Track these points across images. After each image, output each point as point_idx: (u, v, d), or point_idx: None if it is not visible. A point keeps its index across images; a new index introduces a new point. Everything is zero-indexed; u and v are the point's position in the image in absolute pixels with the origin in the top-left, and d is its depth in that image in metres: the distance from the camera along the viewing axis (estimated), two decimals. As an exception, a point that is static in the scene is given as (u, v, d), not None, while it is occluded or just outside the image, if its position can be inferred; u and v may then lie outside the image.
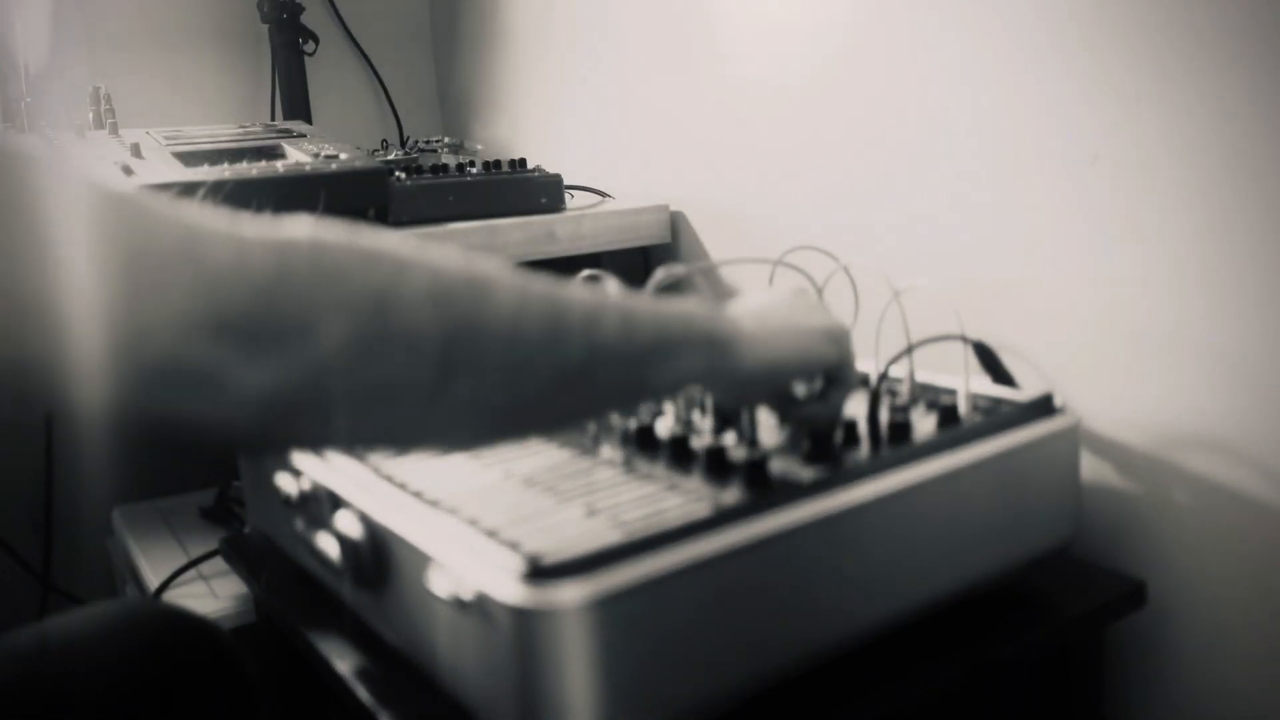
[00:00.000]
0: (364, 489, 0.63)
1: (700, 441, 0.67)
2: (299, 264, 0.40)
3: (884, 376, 0.78)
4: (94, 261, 0.36)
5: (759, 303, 0.62)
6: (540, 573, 0.49)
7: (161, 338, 0.37)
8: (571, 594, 0.48)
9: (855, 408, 0.68)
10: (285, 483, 0.71)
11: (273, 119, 1.54)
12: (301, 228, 0.42)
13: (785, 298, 0.63)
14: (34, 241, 0.35)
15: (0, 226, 0.34)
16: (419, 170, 1.16)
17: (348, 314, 0.40)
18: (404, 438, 0.46)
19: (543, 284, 0.48)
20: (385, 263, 0.42)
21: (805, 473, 0.62)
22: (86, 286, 0.35)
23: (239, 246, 0.39)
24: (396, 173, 1.14)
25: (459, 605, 0.51)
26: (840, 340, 0.62)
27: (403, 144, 1.56)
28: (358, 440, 0.45)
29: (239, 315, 0.38)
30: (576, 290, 0.50)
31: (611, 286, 0.78)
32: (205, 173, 1.01)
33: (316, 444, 0.45)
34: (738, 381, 0.58)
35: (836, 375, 0.63)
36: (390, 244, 0.44)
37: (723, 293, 1.11)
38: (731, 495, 0.59)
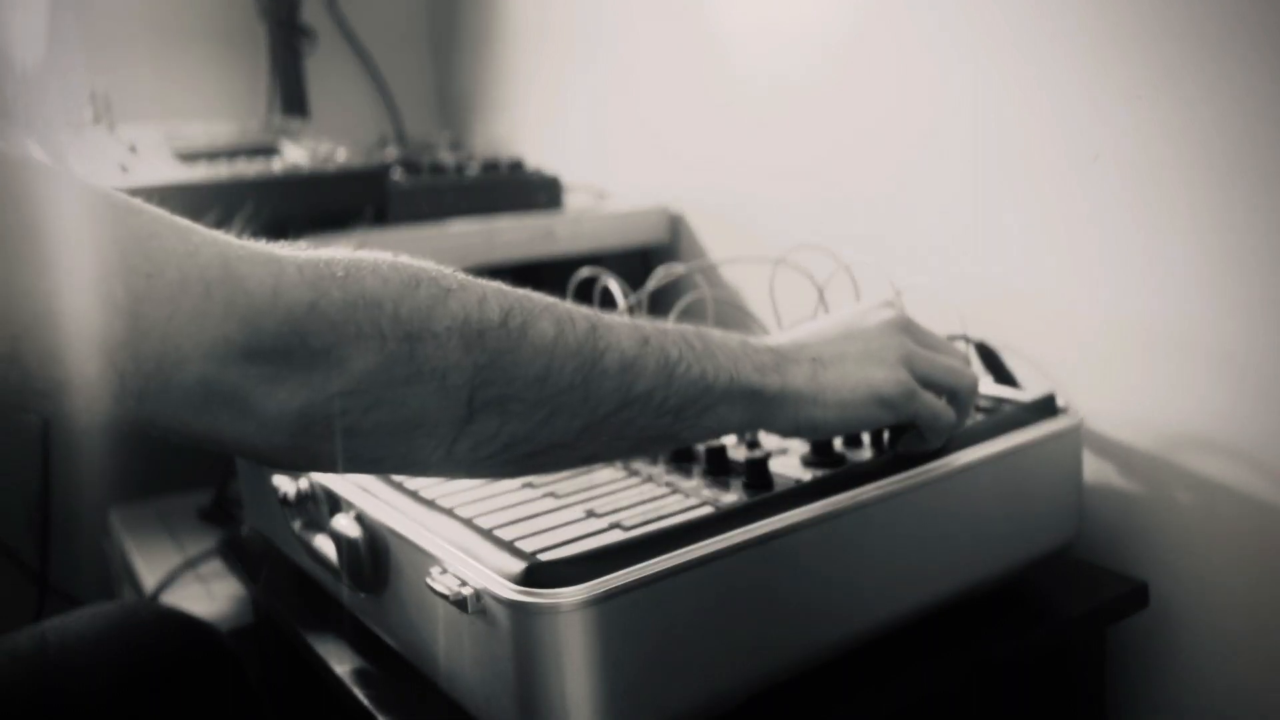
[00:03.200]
0: (362, 489, 0.63)
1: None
2: (333, 293, 0.40)
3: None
4: (125, 285, 0.36)
5: (829, 332, 0.57)
6: (540, 573, 0.49)
7: (195, 362, 0.37)
8: (571, 594, 0.47)
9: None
10: (283, 483, 0.71)
11: (270, 117, 1.54)
12: (340, 252, 0.42)
13: (866, 327, 0.57)
14: (54, 257, 0.35)
15: (22, 241, 0.34)
16: (417, 169, 1.16)
17: (377, 344, 0.40)
18: (425, 466, 0.45)
19: (585, 323, 0.47)
20: (421, 293, 0.42)
21: (805, 473, 0.62)
22: (112, 307, 0.36)
23: (275, 272, 0.39)
24: (394, 171, 1.13)
25: (458, 606, 0.50)
26: (896, 405, 0.56)
27: (401, 142, 1.56)
28: (380, 466, 0.45)
29: (271, 341, 0.39)
30: (621, 332, 0.48)
31: (613, 284, 0.78)
32: (203, 171, 1.01)
33: (339, 467, 0.45)
34: (777, 433, 0.56)
35: (920, 423, 0.58)
36: (431, 272, 0.43)
37: (723, 292, 1.11)
38: (731, 495, 0.59)
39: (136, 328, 0.36)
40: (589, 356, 0.46)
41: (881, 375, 0.55)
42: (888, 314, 0.59)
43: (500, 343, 0.43)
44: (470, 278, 0.45)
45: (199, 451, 0.45)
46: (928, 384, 0.58)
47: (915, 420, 0.58)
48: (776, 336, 0.57)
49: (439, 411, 0.43)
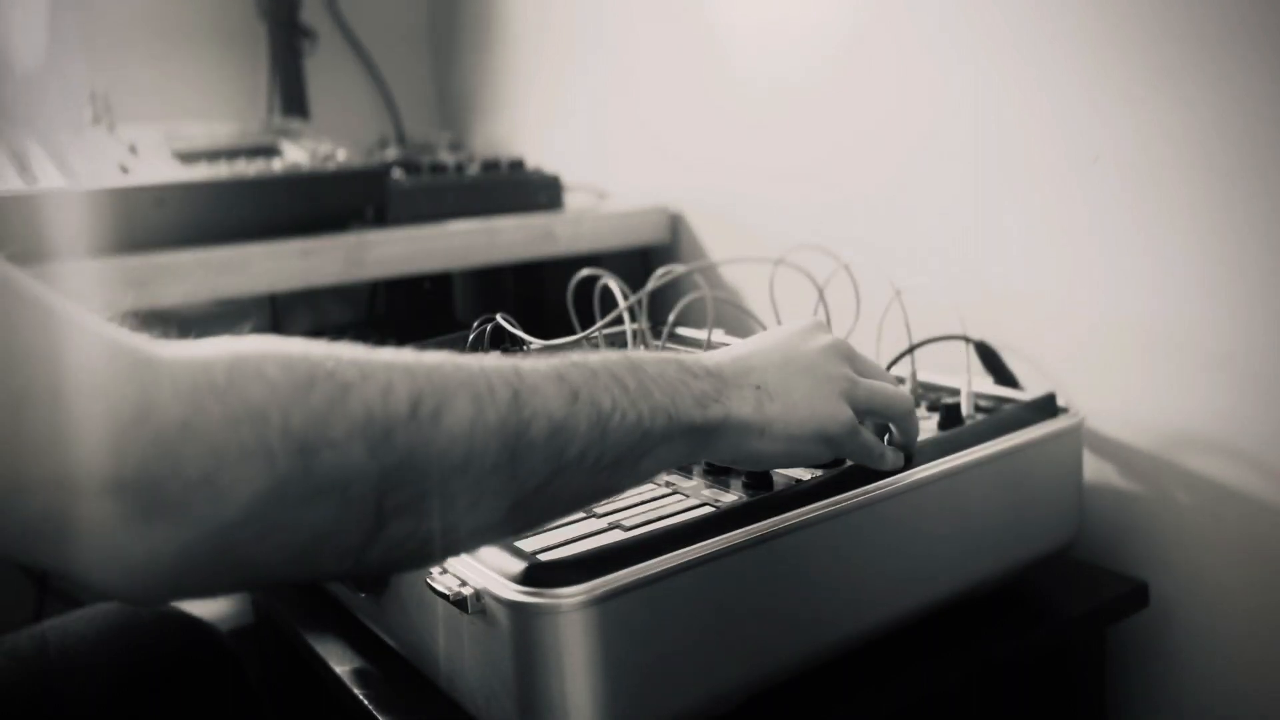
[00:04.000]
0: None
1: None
2: (211, 409, 0.34)
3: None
4: None
5: (778, 354, 0.55)
6: (540, 573, 0.49)
7: (40, 493, 0.31)
8: (571, 594, 0.47)
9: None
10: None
11: (270, 117, 1.54)
12: (224, 350, 0.36)
13: (817, 348, 0.56)
14: None
15: None
16: (417, 169, 1.16)
17: (264, 465, 0.34)
18: (337, 575, 0.41)
19: (506, 390, 0.41)
20: (315, 395, 0.36)
21: (805, 473, 0.62)
22: None
23: (143, 388, 0.33)
24: (394, 171, 1.13)
25: (458, 606, 0.50)
26: (838, 443, 0.55)
27: (401, 142, 1.56)
28: (285, 583, 0.41)
29: (136, 471, 0.32)
30: (548, 392, 0.43)
31: (613, 284, 0.78)
32: (203, 171, 1.01)
33: (239, 590, 0.41)
34: (716, 461, 0.54)
35: (856, 460, 0.58)
36: (329, 366, 0.37)
37: (723, 293, 1.11)
38: (731, 495, 0.59)
39: None
40: (514, 430, 0.41)
41: (828, 412, 0.54)
42: (827, 339, 0.57)
43: (412, 438, 0.38)
44: (374, 357, 0.39)
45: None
46: (868, 413, 0.57)
47: (852, 458, 0.58)
48: (717, 354, 0.54)
49: (343, 525, 0.37)
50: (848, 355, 0.57)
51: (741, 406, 0.51)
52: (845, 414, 0.54)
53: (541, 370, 0.44)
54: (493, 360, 0.43)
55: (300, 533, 0.36)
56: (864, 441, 0.57)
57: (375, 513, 0.38)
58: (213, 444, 0.33)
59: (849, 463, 0.61)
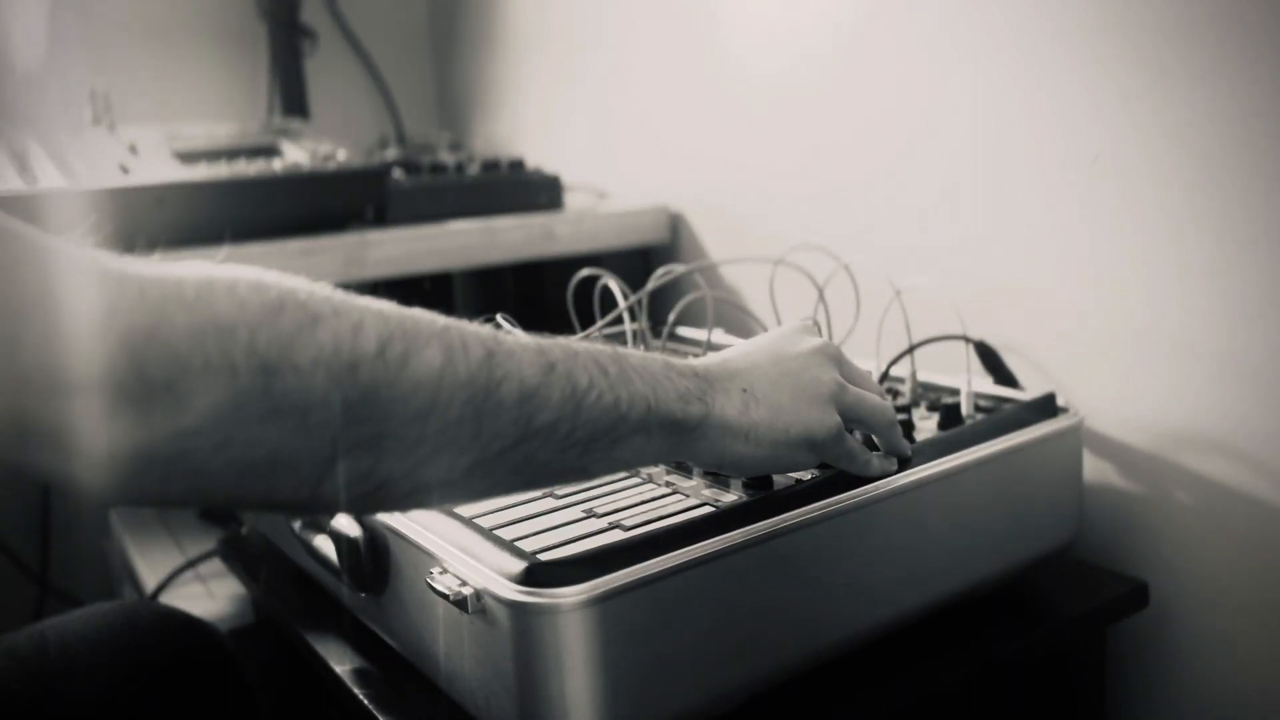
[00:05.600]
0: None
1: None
2: (177, 318, 0.35)
3: (885, 376, 0.78)
4: None
5: (766, 358, 0.54)
6: (540, 573, 0.49)
7: (8, 393, 0.32)
8: (571, 594, 0.47)
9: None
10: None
11: (270, 117, 1.54)
12: (196, 270, 0.37)
13: (804, 352, 0.55)
14: None
15: None
16: (417, 169, 1.16)
17: (225, 378, 0.35)
18: (289, 505, 0.41)
19: (481, 349, 0.42)
20: (284, 319, 0.37)
21: (805, 473, 0.62)
22: None
23: (110, 295, 0.34)
24: (394, 171, 1.13)
25: (458, 605, 0.50)
26: (823, 448, 0.54)
27: (401, 142, 1.56)
28: (238, 505, 0.41)
29: (102, 373, 0.34)
30: (523, 359, 0.43)
31: (613, 284, 0.78)
32: (203, 171, 1.01)
33: (193, 504, 0.42)
34: (697, 465, 0.53)
35: (840, 467, 0.58)
36: (301, 295, 0.38)
37: (723, 292, 1.11)
38: (731, 495, 0.59)
39: None
40: (482, 386, 0.41)
41: (815, 417, 0.53)
42: (816, 341, 0.57)
43: (376, 376, 0.38)
44: (351, 299, 0.40)
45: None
46: (854, 420, 0.57)
47: (836, 464, 0.57)
48: (706, 358, 0.54)
49: (299, 451, 0.38)
50: (836, 359, 0.57)
51: (726, 408, 0.50)
52: (832, 419, 0.54)
53: (521, 341, 0.44)
54: (473, 325, 0.44)
55: (256, 450, 0.37)
56: (849, 448, 0.56)
57: (332, 444, 0.38)
58: (176, 352, 0.35)
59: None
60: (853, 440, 0.57)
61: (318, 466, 0.39)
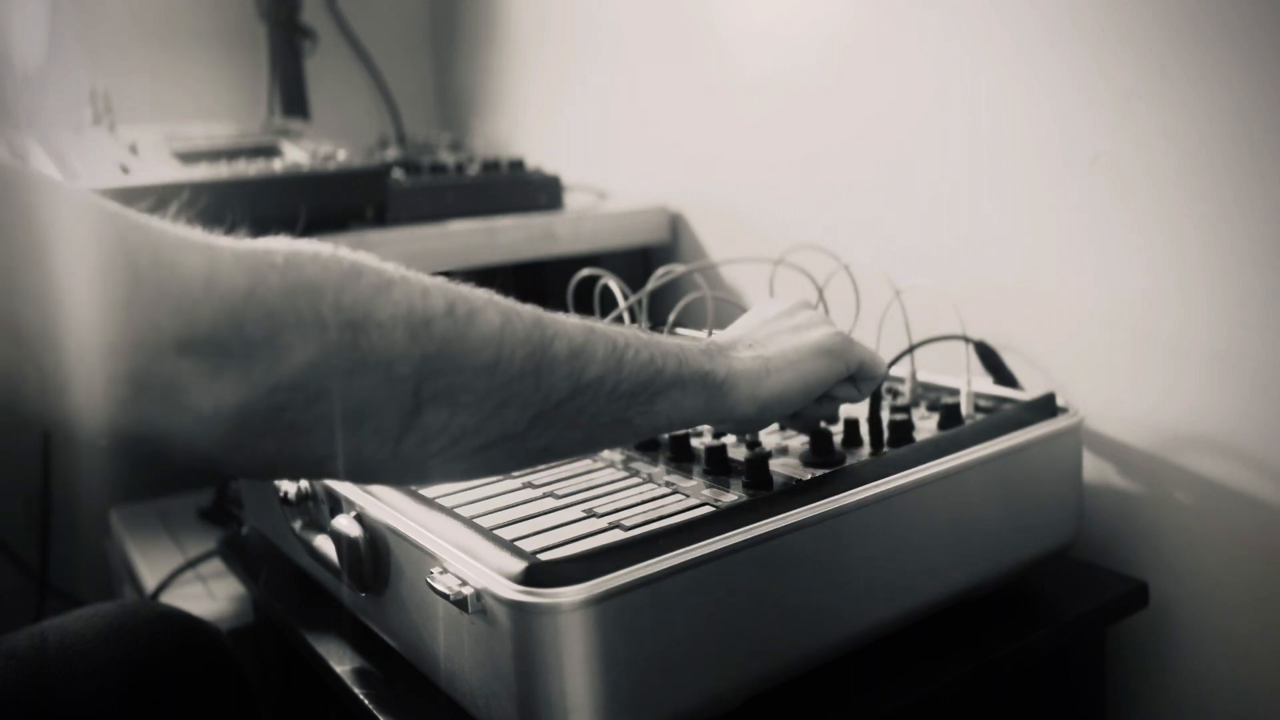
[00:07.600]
0: (362, 489, 0.63)
1: (700, 441, 0.67)
2: (271, 280, 0.38)
3: (885, 376, 0.78)
4: (62, 274, 0.34)
5: (755, 325, 0.60)
6: (540, 573, 0.49)
7: (127, 354, 0.36)
8: (571, 594, 0.47)
9: (856, 408, 0.68)
10: (284, 483, 0.71)
11: (270, 117, 1.54)
12: (279, 242, 0.41)
13: (785, 309, 0.62)
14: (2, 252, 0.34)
15: None
16: (417, 169, 1.16)
17: (316, 334, 0.39)
18: (372, 466, 0.44)
19: (530, 313, 0.46)
20: (363, 282, 0.41)
21: (805, 473, 0.62)
22: (55, 299, 0.34)
23: (210, 261, 0.38)
24: (394, 171, 1.13)
25: (458, 605, 0.50)
26: (838, 352, 0.59)
27: (401, 142, 1.56)
28: (324, 467, 0.43)
29: (205, 332, 0.37)
30: (566, 322, 0.48)
31: (613, 284, 0.78)
32: (203, 171, 1.01)
33: (285, 468, 0.43)
34: (736, 420, 0.57)
35: (858, 374, 0.61)
36: (374, 264, 0.42)
37: (723, 293, 1.11)
38: (731, 495, 0.59)
39: (72, 318, 0.34)
40: (538, 344, 0.45)
41: (818, 333, 0.59)
42: (810, 311, 0.62)
43: (448, 331, 0.42)
44: (412, 272, 0.44)
45: (177, 467, 0.43)
46: (856, 363, 0.61)
47: (858, 364, 0.60)
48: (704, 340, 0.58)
49: (385, 403, 0.41)
50: (826, 319, 0.62)
51: (741, 360, 0.55)
52: (834, 328, 0.60)
53: (559, 314, 0.49)
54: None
55: (346, 403, 0.40)
56: (862, 347, 0.61)
57: (414, 395, 0.42)
58: (271, 310, 0.38)
59: (848, 462, 0.61)
60: (863, 345, 0.61)
61: (401, 420, 0.42)
